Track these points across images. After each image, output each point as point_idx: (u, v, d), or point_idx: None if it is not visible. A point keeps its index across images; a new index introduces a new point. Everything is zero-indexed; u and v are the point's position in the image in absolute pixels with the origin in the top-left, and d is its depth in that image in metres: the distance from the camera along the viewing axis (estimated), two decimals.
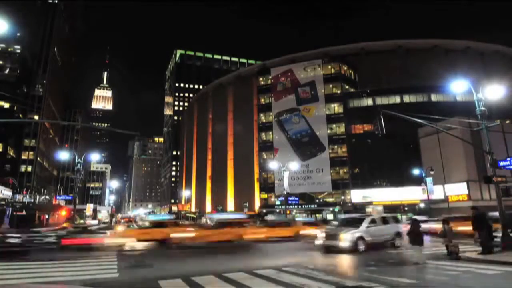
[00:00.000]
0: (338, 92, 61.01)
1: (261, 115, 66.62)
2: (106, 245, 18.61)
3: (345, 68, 64.31)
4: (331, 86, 61.83)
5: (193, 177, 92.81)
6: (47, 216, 52.81)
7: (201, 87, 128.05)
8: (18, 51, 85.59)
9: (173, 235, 20.85)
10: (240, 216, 30.61)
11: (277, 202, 56.87)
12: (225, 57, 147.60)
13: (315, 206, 56.28)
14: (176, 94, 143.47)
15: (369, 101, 58.47)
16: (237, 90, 77.70)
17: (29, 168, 79.93)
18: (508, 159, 16.43)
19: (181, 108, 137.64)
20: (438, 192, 39.15)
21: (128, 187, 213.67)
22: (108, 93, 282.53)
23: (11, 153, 75.92)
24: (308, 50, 67.44)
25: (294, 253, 16.86)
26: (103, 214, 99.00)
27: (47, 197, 71.75)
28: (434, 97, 56.95)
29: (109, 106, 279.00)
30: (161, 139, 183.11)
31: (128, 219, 76.63)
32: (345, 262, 13.62)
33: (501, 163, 16.16)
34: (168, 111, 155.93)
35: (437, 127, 24.37)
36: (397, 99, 57.42)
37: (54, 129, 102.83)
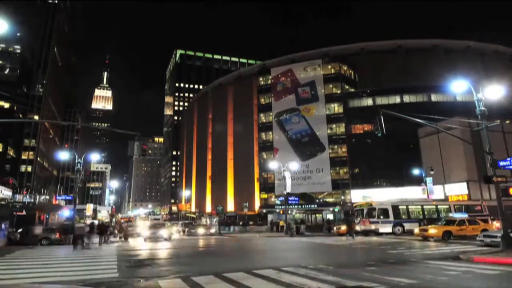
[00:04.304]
0: (338, 92, 61.00)
1: (261, 115, 66.62)
2: None
3: (345, 68, 64.30)
4: (331, 86, 61.82)
5: (193, 177, 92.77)
6: (47, 216, 52.78)
7: (201, 87, 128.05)
8: (18, 51, 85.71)
9: None
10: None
11: (277, 202, 56.80)
12: (225, 57, 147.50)
13: (315, 206, 56.24)
14: (176, 94, 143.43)
15: (369, 101, 58.47)
16: (237, 90, 77.66)
17: (29, 168, 79.98)
18: (508, 159, 16.42)
19: (181, 108, 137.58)
20: (438, 192, 39.12)
21: (128, 187, 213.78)
22: (108, 93, 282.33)
23: (11, 153, 75.93)
24: (308, 50, 67.38)
25: None
26: (103, 214, 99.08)
27: (47, 197, 71.66)
28: (434, 97, 56.93)
29: (109, 106, 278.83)
30: (161, 139, 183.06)
31: (128, 219, 76.79)
32: None
33: (501, 163, 16.16)
34: (168, 111, 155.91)
35: (437, 127, 24.37)
36: (397, 99, 57.40)
37: (54, 129, 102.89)
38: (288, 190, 37.03)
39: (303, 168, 57.41)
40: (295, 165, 45.23)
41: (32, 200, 57.10)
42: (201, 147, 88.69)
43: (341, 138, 59.13)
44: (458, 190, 40.60)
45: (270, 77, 66.77)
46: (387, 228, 28.72)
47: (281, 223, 42.05)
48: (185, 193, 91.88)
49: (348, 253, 17.56)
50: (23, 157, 79.63)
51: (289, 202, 41.38)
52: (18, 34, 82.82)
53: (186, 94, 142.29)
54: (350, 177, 57.21)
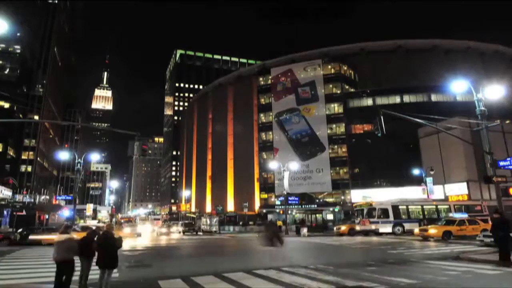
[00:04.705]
0: (338, 92, 60.95)
1: (261, 115, 66.57)
2: None
3: (345, 68, 64.25)
4: (331, 86, 61.78)
5: (193, 177, 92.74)
6: (47, 216, 52.85)
7: (201, 87, 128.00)
8: (18, 51, 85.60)
9: None
10: None
11: (277, 202, 56.73)
12: (225, 57, 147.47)
13: (315, 206, 56.15)
14: (176, 94, 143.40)
15: (369, 101, 58.44)
16: (237, 90, 77.62)
17: (29, 168, 79.92)
18: (508, 159, 16.42)
19: (181, 108, 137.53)
20: (438, 192, 39.15)
21: (128, 187, 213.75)
22: (108, 93, 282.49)
23: (11, 153, 75.91)
24: (308, 50, 67.27)
25: None
26: (103, 214, 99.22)
27: (47, 197, 71.71)
28: (434, 97, 56.88)
29: (109, 106, 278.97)
30: (161, 139, 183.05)
31: (128, 219, 76.80)
32: None
33: (501, 163, 16.16)
34: (168, 111, 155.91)
35: (437, 127, 24.36)
36: (397, 99, 57.37)
37: (54, 129, 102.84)
38: (286, 189, 36.98)
39: (303, 168, 57.39)
40: (295, 165, 45.19)
41: (32, 200, 57.11)
42: (201, 147, 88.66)
43: (341, 138, 59.10)
44: (458, 190, 40.59)
45: (270, 77, 66.72)
46: (387, 228, 28.71)
47: (279, 223, 39.00)
48: (185, 193, 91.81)
49: (348, 253, 17.55)
50: (23, 157, 79.57)
51: (289, 202, 41.38)
52: (18, 34, 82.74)
53: (186, 94, 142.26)
54: (350, 177, 57.19)
